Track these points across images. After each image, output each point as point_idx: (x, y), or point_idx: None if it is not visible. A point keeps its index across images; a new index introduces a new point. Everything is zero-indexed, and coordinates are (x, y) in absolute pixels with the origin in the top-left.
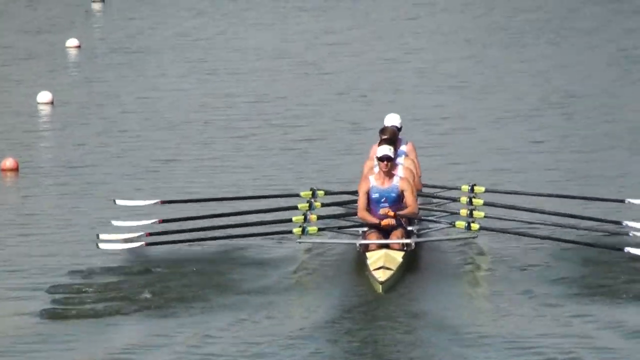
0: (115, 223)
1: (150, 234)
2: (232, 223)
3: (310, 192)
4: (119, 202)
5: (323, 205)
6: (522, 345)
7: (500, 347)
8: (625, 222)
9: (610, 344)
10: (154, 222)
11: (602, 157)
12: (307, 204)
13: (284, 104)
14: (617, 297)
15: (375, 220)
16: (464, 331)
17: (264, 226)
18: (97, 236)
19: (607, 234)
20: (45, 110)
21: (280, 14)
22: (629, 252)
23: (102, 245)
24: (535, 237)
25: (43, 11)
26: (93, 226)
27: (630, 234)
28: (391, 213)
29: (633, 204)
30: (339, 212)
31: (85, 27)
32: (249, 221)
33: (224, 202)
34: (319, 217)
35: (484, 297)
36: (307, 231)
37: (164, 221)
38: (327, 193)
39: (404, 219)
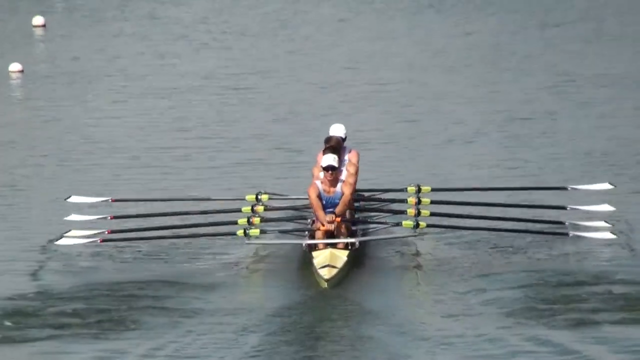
0: (69, 218)
1: (104, 240)
2: (181, 223)
3: (254, 196)
4: (72, 199)
5: (267, 209)
6: (462, 336)
7: (438, 340)
8: (569, 206)
9: (558, 327)
10: (106, 217)
11: (544, 150)
12: (250, 207)
13: (230, 116)
14: (563, 281)
15: (322, 217)
16: (404, 325)
17: (210, 227)
18: (59, 235)
19: (550, 220)
20: None
21: (226, 37)
22: (574, 235)
23: (60, 242)
24: (481, 229)
25: None
26: (47, 222)
27: (572, 220)
28: (338, 219)
29: (575, 189)
30: (283, 215)
31: (27, 51)
32: (196, 222)
33: (174, 202)
34: (262, 220)
35: (425, 292)
36: (249, 234)
37: (115, 217)
38: (271, 197)
39: (349, 215)
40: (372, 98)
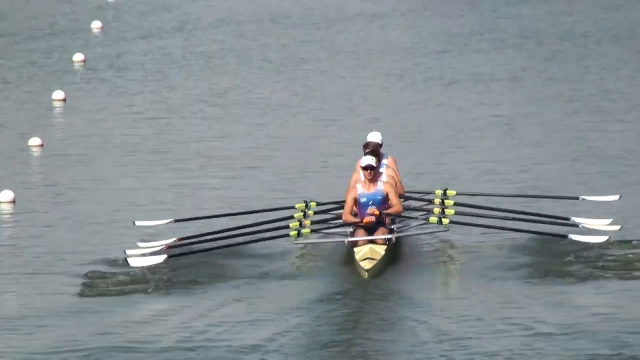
0: (140, 244)
1: (170, 247)
2: (240, 233)
3: (304, 204)
4: (138, 223)
5: (315, 213)
6: (487, 319)
7: (468, 322)
8: (572, 219)
9: (562, 320)
10: (174, 240)
11: (558, 161)
12: (302, 213)
13: (268, 134)
14: (562, 278)
15: (356, 220)
16: (438, 309)
17: (266, 232)
18: (125, 252)
19: (556, 224)
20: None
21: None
22: (572, 239)
23: (130, 261)
24: (497, 228)
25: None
26: (120, 246)
27: (577, 224)
28: (376, 212)
29: (586, 200)
30: (329, 217)
31: (47, 125)
32: (253, 230)
33: (231, 217)
34: (312, 223)
35: (452, 280)
36: (302, 234)
37: (182, 239)
38: (318, 204)
39: (386, 218)
40: (402, 106)
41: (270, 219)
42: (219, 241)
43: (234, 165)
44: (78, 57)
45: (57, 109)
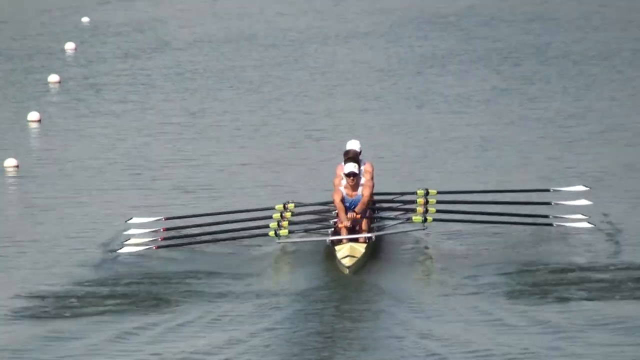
0: (131, 231)
1: (163, 239)
2: (221, 229)
3: (282, 206)
4: (132, 220)
5: (293, 214)
6: (463, 312)
7: (444, 315)
8: (553, 202)
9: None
10: (160, 230)
11: (529, 154)
12: (279, 214)
13: (247, 139)
14: (543, 265)
15: (346, 222)
16: (415, 303)
17: (247, 231)
18: (121, 244)
19: (534, 214)
20: None
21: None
22: (556, 225)
23: (122, 250)
24: (477, 222)
25: None
26: (112, 237)
27: (555, 212)
28: (358, 215)
29: (557, 190)
30: (307, 218)
31: (23, 147)
32: (235, 227)
33: (215, 216)
34: (290, 223)
35: (431, 276)
36: (279, 234)
37: (168, 229)
38: (296, 205)
39: (366, 218)
40: (380, 110)
41: (252, 217)
42: (202, 236)
43: (211, 182)
44: (53, 78)
45: (33, 130)
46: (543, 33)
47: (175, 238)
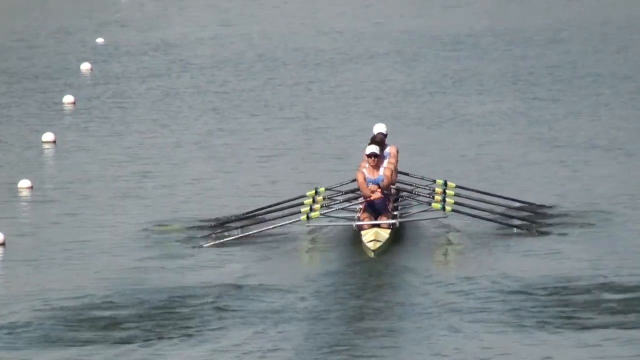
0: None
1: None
2: (266, 219)
3: (314, 191)
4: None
5: (324, 198)
6: (480, 288)
7: (464, 290)
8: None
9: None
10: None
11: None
12: (311, 199)
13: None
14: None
15: (369, 193)
16: (432, 284)
17: (284, 218)
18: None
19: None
20: None
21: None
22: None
23: (206, 244)
24: (487, 219)
25: None
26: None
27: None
28: (379, 190)
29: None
30: (338, 200)
31: (37, 168)
32: (275, 217)
33: (257, 212)
34: (321, 207)
35: (448, 260)
36: (311, 217)
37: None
38: (326, 189)
39: (389, 203)
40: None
41: (288, 204)
42: (248, 227)
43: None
44: (68, 99)
45: (47, 150)
46: (562, 54)
47: (225, 234)
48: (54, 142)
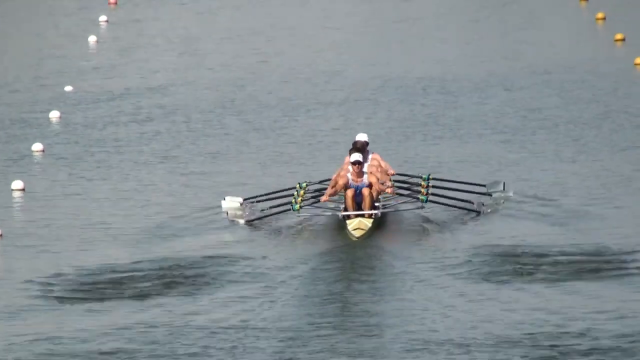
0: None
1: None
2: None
3: (298, 185)
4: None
5: (307, 192)
6: (453, 267)
7: (439, 271)
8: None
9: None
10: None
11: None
12: (296, 192)
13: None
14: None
15: (326, 198)
16: (409, 266)
17: (280, 207)
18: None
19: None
20: None
21: None
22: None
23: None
24: (457, 207)
25: None
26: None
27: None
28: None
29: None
30: (319, 194)
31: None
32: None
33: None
34: (303, 200)
35: (426, 246)
36: (295, 208)
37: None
38: (308, 184)
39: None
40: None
41: (284, 194)
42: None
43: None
44: (37, 146)
45: (16, 198)
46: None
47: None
48: (23, 189)
